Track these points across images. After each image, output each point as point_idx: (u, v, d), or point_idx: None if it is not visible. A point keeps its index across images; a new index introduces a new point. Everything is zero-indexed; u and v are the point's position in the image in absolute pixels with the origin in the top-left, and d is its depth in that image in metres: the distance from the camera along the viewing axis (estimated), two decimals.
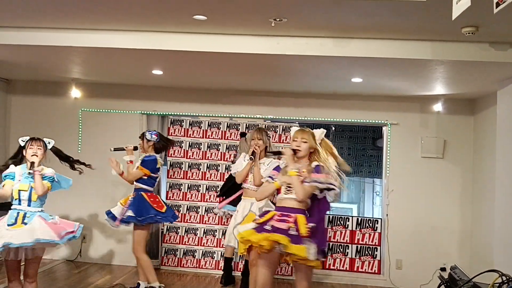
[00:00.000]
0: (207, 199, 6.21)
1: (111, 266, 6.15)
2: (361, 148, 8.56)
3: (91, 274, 5.81)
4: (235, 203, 4.92)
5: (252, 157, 4.49)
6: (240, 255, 5.57)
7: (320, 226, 3.44)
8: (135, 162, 4.90)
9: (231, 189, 5.23)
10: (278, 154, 3.98)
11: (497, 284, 3.55)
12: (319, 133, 3.56)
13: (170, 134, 6.27)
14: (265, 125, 6.20)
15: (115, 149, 4.97)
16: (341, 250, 6.12)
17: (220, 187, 5.83)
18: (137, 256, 4.80)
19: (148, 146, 4.88)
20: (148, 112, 6.27)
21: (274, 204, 4.68)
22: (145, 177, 4.80)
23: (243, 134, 5.60)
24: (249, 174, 4.54)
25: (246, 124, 6.19)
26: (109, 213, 4.88)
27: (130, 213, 4.72)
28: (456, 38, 3.84)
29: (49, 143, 4.04)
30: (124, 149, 4.95)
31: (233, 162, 5.65)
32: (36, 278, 3.89)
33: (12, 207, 3.86)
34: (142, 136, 4.94)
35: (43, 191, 3.81)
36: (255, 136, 4.55)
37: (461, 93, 5.62)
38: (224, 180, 5.88)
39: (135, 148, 5.01)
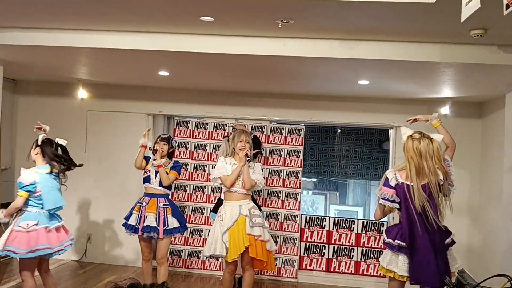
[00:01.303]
0: (212, 200, 6.19)
1: (116, 267, 6.16)
2: (367, 151, 8.51)
3: (96, 274, 5.82)
4: (216, 210, 4.70)
5: (250, 159, 4.33)
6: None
7: None
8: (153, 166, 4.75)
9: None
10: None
11: None
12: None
13: (176, 135, 6.27)
14: (271, 127, 6.20)
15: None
16: (346, 253, 6.09)
17: (213, 207, 5.47)
18: (165, 263, 4.74)
19: (168, 152, 4.80)
20: (154, 113, 6.28)
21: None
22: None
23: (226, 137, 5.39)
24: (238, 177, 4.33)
25: (252, 126, 6.18)
26: (131, 227, 4.67)
27: (176, 223, 4.65)
28: (464, 40, 3.81)
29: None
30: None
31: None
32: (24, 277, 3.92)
33: None
34: (168, 140, 4.80)
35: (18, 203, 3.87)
36: (243, 138, 4.37)
37: (469, 96, 5.58)
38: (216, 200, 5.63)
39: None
